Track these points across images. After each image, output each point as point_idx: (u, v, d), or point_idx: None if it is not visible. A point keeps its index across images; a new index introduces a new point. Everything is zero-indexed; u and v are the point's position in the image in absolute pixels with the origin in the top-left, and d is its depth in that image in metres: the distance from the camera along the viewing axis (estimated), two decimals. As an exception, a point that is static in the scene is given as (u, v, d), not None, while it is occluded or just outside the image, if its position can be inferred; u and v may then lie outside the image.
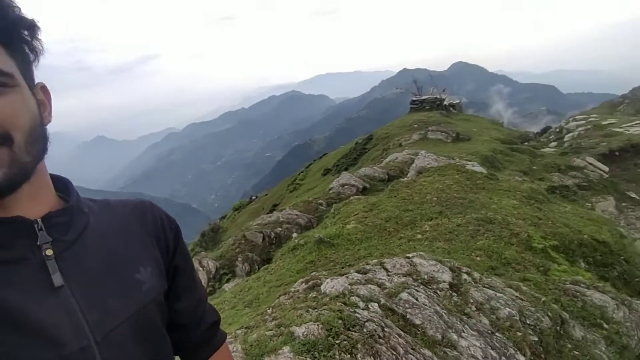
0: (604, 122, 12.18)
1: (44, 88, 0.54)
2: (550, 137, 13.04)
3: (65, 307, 0.48)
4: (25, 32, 0.48)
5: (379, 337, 1.96)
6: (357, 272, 2.89)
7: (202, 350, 0.69)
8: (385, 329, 2.05)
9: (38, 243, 0.49)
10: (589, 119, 12.82)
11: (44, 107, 0.52)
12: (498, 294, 2.70)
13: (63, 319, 0.47)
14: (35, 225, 0.49)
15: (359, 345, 1.86)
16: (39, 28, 0.49)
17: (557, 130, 13.09)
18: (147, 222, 0.62)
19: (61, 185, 0.57)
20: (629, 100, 15.24)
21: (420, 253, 3.26)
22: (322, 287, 2.65)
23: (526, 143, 12.87)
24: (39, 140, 0.49)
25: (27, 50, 0.49)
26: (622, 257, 4.44)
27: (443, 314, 2.34)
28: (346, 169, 12.09)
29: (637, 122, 11.93)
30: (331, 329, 1.96)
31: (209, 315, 0.71)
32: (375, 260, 3.20)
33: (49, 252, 0.49)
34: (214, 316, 0.71)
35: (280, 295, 2.91)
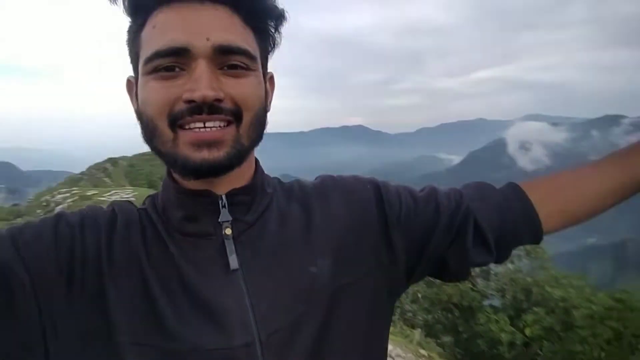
0: (89, 193, 12.66)
1: (271, 78, 0.56)
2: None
3: (235, 294, 0.48)
4: (273, 23, 0.50)
5: None
6: None
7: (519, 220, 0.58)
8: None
9: (219, 220, 0.49)
10: (74, 191, 12.77)
11: (268, 96, 0.54)
12: None
13: (232, 306, 0.47)
14: (220, 202, 0.49)
15: None
16: (285, 19, 0.50)
17: (45, 204, 11.89)
18: (329, 203, 0.57)
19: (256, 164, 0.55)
20: (87, 176, 17.76)
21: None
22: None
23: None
24: (259, 125, 0.50)
25: (269, 39, 0.51)
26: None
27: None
28: None
29: (116, 191, 13.43)
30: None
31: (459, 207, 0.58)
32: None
33: (228, 231, 0.49)
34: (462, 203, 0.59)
35: None
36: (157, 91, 0.45)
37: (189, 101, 0.43)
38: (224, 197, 0.50)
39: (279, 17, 0.50)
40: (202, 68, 0.44)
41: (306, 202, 0.56)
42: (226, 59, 0.45)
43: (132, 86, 0.51)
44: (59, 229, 0.47)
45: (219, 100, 0.44)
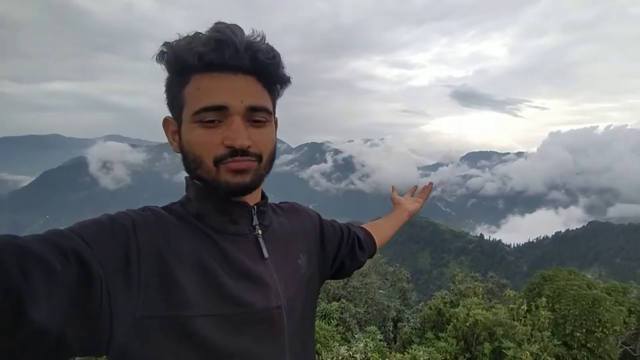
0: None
1: (276, 121, 0.74)
2: None
3: (269, 274, 0.69)
4: (281, 86, 0.70)
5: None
6: None
7: (369, 244, 1.05)
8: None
9: (253, 224, 0.71)
10: None
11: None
12: None
13: (270, 281, 0.68)
14: (252, 210, 0.71)
15: None
16: (290, 83, 0.70)
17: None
18: (302, 218, 0.88)
19: None
20: None
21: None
22: None
23: None
24: (273, 160, 0.70)
25: (276, 93, 0.71)
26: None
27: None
28: None
29: None
30: None
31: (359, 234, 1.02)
32: None
33: (259, 231, 0.72)
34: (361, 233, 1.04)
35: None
36: (204, 136, 0.62)
37: (230, 147, 0.61)
38: (255, 207, 0.72)
39: (287, 82, 0.70)
40: (238, 122, 0.62)
41: (286, 215, 0.84)
42: (253, 115, 0.64)
43: (169, 125, 0.68)
44: (114, 229, 0.56)
45: (249, 147, 0.63)
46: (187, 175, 0.69)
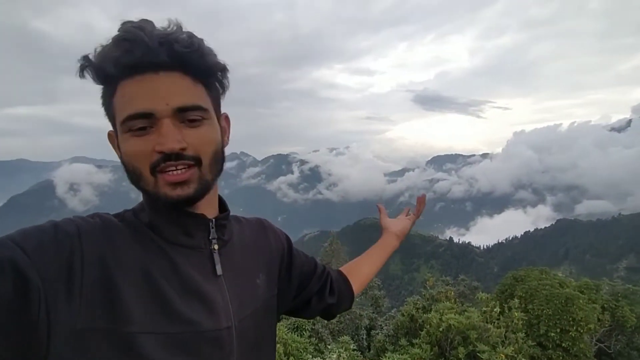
0: None
1: (226, 117, 0.71)
2: None
3: (221, 292, 0.66)
4: (219, 74, 0.65)
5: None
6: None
7: (343, 289, 0.98)
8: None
9: (209, 237, 0.68)
10: None
11: (225, 133, 0.70)
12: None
13: (219, 300, 0.65)
14: (210, 223, 0.68)
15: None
16: (228, 70, 0.65)
17: None
18: (268, 236, 0.84)
19: (219, 199, 0.75)
20: None
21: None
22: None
23: None
24: (219, 162, 0.65)
25: (218, 87, 0.66)
26: None
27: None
28: None
29: None
30: None
31: (333, 280, 0.97)
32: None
33: (216, 246, 0.68)
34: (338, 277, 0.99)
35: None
36: (136, 146, 0.59)
37: (161, 152, 0.58)
38: (213, 220, 0.68)
39: (222, 70, 0.64)
40: (166, 126, 0.58)
41: (250, 231, 0.81)
42: (184, 115, 0.59)
43: (113, 139, 0.65)
44: (58, 238, 0.54)
45: (183, 149, 0.59)
46: None
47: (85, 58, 0.58)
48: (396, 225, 1.17)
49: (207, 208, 0.68)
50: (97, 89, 0.58)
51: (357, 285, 1.01)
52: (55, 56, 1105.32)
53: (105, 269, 0.55)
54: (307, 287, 0.90)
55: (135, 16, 0.59)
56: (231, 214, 0.78)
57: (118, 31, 0.58)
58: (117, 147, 0.64)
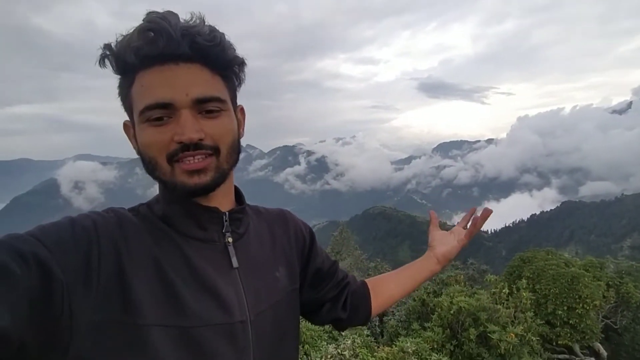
0: None
1: (242, 109, 0.72)
2: None
3: (235, 286, 0.65)
4: (237, 67, 0.66)
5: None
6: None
7: (360, 305, 0.92)
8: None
9: (223, 231, 0.67)
10: None
11: (240, 125, 0.71)
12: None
13: (233, 294, 0.64)
14: (224, 216, 0.68)
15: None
16: (245, 64, 0.67)
17: None
18: (289, 228, 0.82)
19: (236, 190, 0.75)
20: None
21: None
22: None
23: None
24: (235, 152, 0.66)
25: (235, 80, 0.68)
26: None
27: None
28: None
29: None
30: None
31: (353, 287, 0.92)
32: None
33: (230, 239, 0.68)
34: (357, 286, 0.94)
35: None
36: (153, 136, 0.59)
37: (180, 142, 0.59)
38: (227, 213, 0.68)
39: (241, 63, 0.66)
40: (185, 116, 0.59)
41: (270, 223, 0.79)
42: (203, 106, 0.60)
43: (129, 129, 0.65)
44: (75, 232, 0.54)
45: (202, 139, 0.60)
46: None
47: (107, 47, 0.59)
48: (442, 245, 0.99)
49: (223, 200, 0.69)
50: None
51: (377, 304, 0.94)
52: (56, 53, 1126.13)
53: (119, 262, 0.56)
54: (321, 291, 0.87)
55: (136, 11, 0.58)
56: (250, 204, 0.78)
57: (143, 21, 0.58)
58: (132, 137, 0.64)
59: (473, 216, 1.03)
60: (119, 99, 0.64)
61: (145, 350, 0.54)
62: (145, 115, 0.59)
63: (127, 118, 0.65)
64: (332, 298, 0.88)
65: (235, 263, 0.67)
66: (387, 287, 0.96)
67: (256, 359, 0.65)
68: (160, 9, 0.59)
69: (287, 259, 0.78)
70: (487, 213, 0.97)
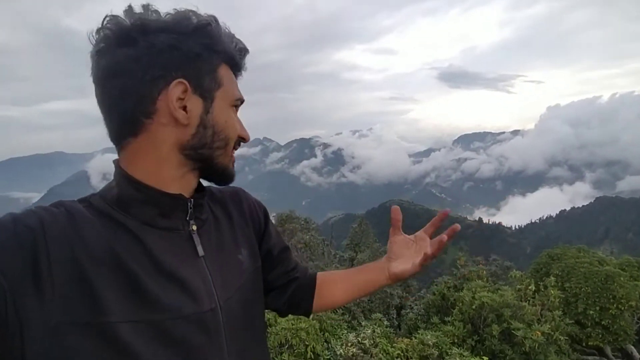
0: None
1: None
2: None
3: (202, 274, 0.63)
4: (245, 64, 0.71)
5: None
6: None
7: (302, 300, 0.89)
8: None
9: (187, 218, 0.65)
10: None
11: None
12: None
13: (200, 283, 0.62)
14: (189, 203, 0.65)
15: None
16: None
17: None
18: (243, 208, 0.80)
19: None
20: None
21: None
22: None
23: None
24: None
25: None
26: None
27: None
28: None
29: None
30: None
31: (301, 272, 0.90)
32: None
33: (194, 227, 0.66)
34: (305, 272, 0.92)
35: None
36: (237, 122, 0.67)
37: (242, 138, 0.68)
38: (191, 200, 0.66)
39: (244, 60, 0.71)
40: (238, 117, 0.68)
41: (225, 204, 0.77)
42: None
43: (185, 88, 0.60)
44: (18, 232, 0.50)
45: None
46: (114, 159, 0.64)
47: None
48: (399, 262, 0.83)
49: (187, 190, 0.66)
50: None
51: (318, 306, 0.90)
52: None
53: (75, 260, 0.52)
54: (269, 275, 0.84)
55: (161, 7, 0.60)
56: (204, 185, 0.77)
57: (215, 21, 0.62)
58: (179, 100, 0.60)
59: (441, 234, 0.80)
60: (192, 63, 0.60)
61: (117, 348, 0.52)
62: (234, 102, 0.66)
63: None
64: (278, 287, 0.86)
65: (201, 251, 0.65)
66: (333, 293, 0.91)
67: (228, 344, 0.64)
68: (181, 5, 0.60)
69: (247, 239, 0.77)
70: (456, 229, 0.77)
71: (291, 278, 0.87)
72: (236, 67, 0.67)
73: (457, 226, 0.78)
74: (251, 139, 0.71)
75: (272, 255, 0.84)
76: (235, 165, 0.68)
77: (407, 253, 0.84)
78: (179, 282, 0.60)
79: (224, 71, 0.65)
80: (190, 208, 0.65)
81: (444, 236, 0.77)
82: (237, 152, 0.66)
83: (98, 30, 0.59)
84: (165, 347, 0.56)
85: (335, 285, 0.91)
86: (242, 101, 0.68)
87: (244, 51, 0.67)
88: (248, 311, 0.71)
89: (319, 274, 0.93)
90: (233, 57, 0.65)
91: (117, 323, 0.53)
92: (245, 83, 0.68)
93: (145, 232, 0.59)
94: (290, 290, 0.87)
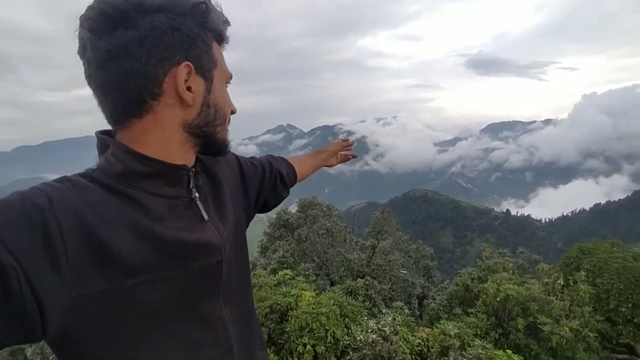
0: None
1: None
2: None
3: (212, 233, 0.71)
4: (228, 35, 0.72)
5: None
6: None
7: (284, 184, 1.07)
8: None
9: (190, 187, 0.70)
10: None
11: None
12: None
13: (212, 239, 0.70)
14: (190, 173, 0.70)
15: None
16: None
17: None
18: (222, 165, 0.85)
19: None
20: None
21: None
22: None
23: None
24: None
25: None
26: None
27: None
28: None
29: None
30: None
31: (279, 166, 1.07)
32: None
33: (197, 194, 0.71)
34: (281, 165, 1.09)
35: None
36: (229, 98, 0.73)
37: (232, 112, 0.75)
38: (192, 170, 0.71)
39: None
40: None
41: (206, 168, 0.80)
42: None
43: (190, 70, 0.63)
44: (26, 210, 0.50)
45: None
46: (99, 135, 0.65)
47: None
48: (331, 154, 1.36)
49: (188, 160, 0.71)
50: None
51: (299, 178, 1.17)
52: None
53: (89, 232, 0.54)
54: (261, 192, 0.98)
55: None
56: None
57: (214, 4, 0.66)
58: (184, 82, 0.62)
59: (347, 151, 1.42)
60: (180, 35, 0.60)
61: (138, 307, 0.56)
62: (227, 80, 0.71)
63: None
64: (272, 189, 1.02)
65: (205, 216, 0.71)
66: (304, 166, 1.22)
67: (225, 290, 0.72)
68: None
69: (232, 195, 0.84)
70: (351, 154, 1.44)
71: (274, 175, 1.04)
72: (224, 41, 0.70)
73: (351, 141, 1.41)
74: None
75: (257, 182, 0.97)
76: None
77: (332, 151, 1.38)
78: (191, 242, 0.65)
79: (215, 48, 0.67)
80: (192, 177, 0.70)
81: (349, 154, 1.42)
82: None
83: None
84: (181, 298, 0.63)
85: (303, 162, 1.24)
86: (230, 77, 0.72)
87: (227, 23, 0.68)
88: (239, 258, 0.79)
89: (290, 158, 1.19)
90: (221, 32, 0.67)
91: (137, 284, 0.56)
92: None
93: (153, 201, 0.63)
94: (279, 181, 1.05)
